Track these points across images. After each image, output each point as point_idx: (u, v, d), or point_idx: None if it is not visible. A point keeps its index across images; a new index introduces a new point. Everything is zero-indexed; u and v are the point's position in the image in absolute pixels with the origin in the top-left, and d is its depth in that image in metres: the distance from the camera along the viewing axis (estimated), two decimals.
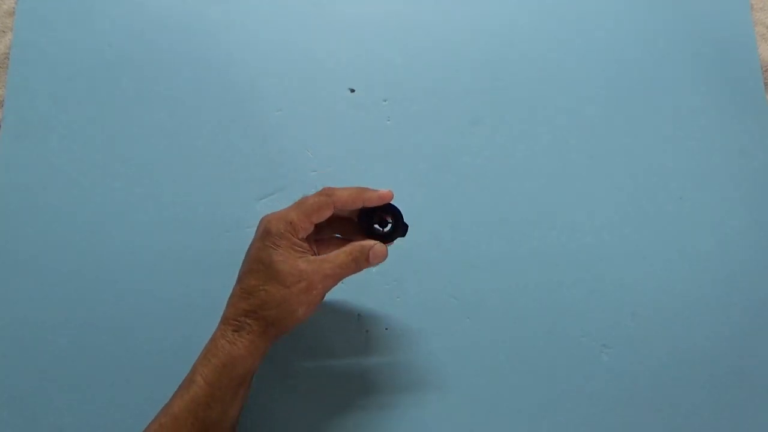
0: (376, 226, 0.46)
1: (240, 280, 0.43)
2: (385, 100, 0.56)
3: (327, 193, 0.44)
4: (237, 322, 0.41)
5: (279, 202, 0.53)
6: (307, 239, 0.44)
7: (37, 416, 0.47)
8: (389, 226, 0.46)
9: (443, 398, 0.49)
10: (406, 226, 0.47)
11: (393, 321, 0.51)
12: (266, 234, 0.42)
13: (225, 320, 0.42)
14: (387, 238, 0.45)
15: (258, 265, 0.42)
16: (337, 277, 0.43)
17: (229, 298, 0.43)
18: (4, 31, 0.55)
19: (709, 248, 0.54)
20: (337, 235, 0.48)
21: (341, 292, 0.51)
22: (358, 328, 0.51)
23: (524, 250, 0.53)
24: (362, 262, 0.43)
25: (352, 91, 0.56)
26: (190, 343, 0.48)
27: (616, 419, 0.49)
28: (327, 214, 0.43)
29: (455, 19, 0.58)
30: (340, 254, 0.43)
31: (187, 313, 0.50)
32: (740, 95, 0.59)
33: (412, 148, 0.55)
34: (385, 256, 0.44)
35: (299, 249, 0.43)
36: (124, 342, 0.49)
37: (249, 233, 0.51)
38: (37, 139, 0.53)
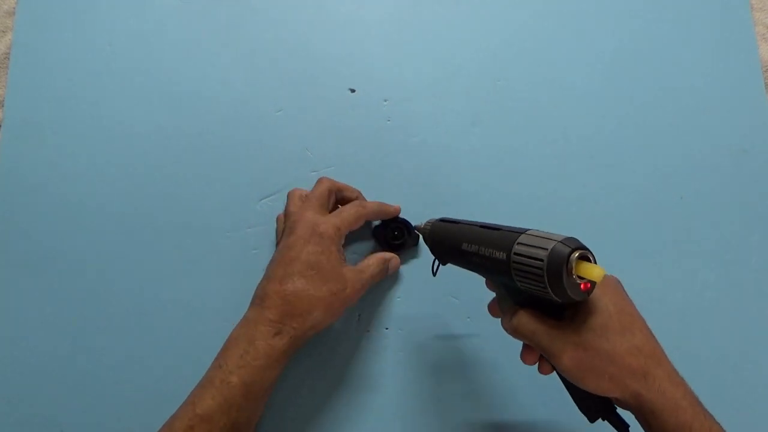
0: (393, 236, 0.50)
1: (283, 279, 0.41)
2: (385, 101, 0.56)
3: (362, 204, 0.47)
4: (280, 325, 0.40)
5: (279, 203, 0.52)
6: None
7: (37, 416, 0.47)
8: (402, 238, 0.50)
9: (443, 397, 0.49)
10: (417, 236, 0.51)
11: (393, 321, 0.51)
12: (319, 238, 0.42)
13: (265, 321, 0.40)
14: (400, 249, 0.50)
15: (306, 268, 0.41)
16: (368, 286, 0.45)
17: (266, 297, 0.41)
18: (4, 31, 0.55)
19: (709, 247, 0.54)
20: None
21: None
22: (359, 328, 0.51)
23: None
24: (384, 272, 0.47)
25: (353, 91, 0.56)
26: (190, 342, 0.48)
27: None
28: (360, 224, 0.46)
29: (455, 19, 0.58)
30: (371, 265, 0.46)
31: (188, 312, 0.50)
32: (740, 95, 0.59)
33: (412, 148, 0.55)
34: (398, 267, 0.50)
35: (342, 256, 0.44)
36: (124, 342, 0.49)
37: (249, 234, 0.51)
38: (37, 139, 0.52)
